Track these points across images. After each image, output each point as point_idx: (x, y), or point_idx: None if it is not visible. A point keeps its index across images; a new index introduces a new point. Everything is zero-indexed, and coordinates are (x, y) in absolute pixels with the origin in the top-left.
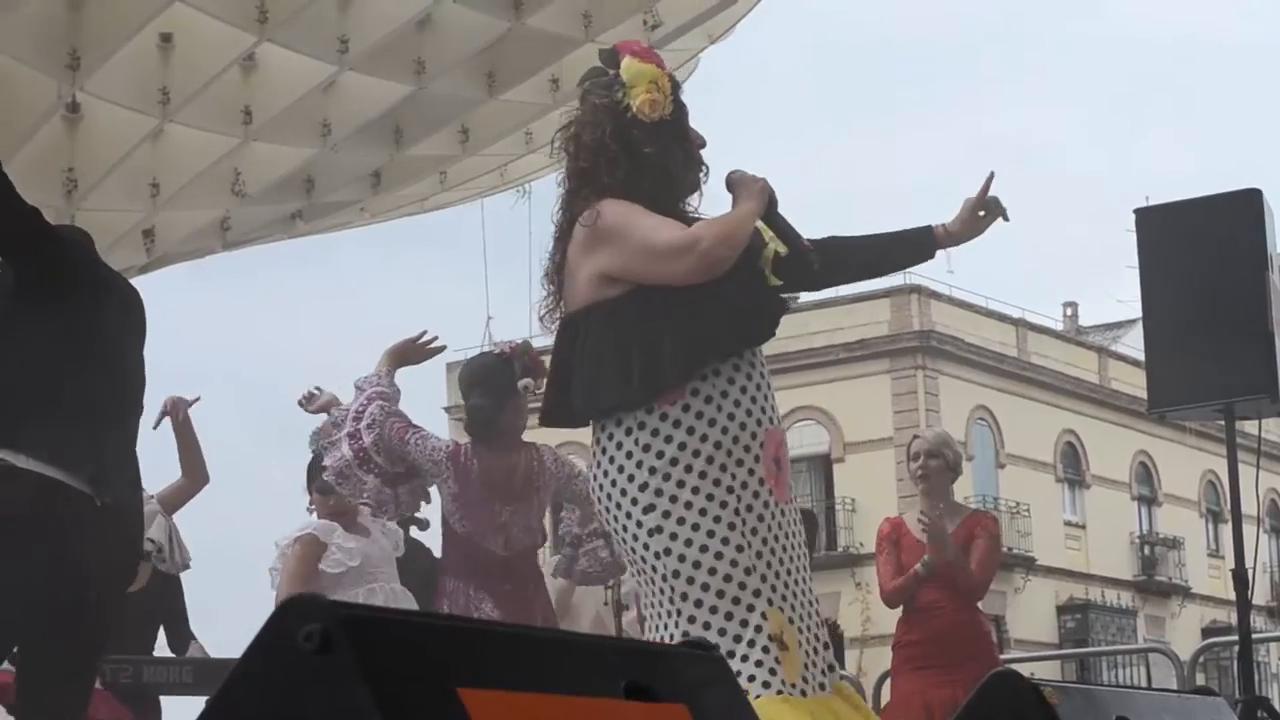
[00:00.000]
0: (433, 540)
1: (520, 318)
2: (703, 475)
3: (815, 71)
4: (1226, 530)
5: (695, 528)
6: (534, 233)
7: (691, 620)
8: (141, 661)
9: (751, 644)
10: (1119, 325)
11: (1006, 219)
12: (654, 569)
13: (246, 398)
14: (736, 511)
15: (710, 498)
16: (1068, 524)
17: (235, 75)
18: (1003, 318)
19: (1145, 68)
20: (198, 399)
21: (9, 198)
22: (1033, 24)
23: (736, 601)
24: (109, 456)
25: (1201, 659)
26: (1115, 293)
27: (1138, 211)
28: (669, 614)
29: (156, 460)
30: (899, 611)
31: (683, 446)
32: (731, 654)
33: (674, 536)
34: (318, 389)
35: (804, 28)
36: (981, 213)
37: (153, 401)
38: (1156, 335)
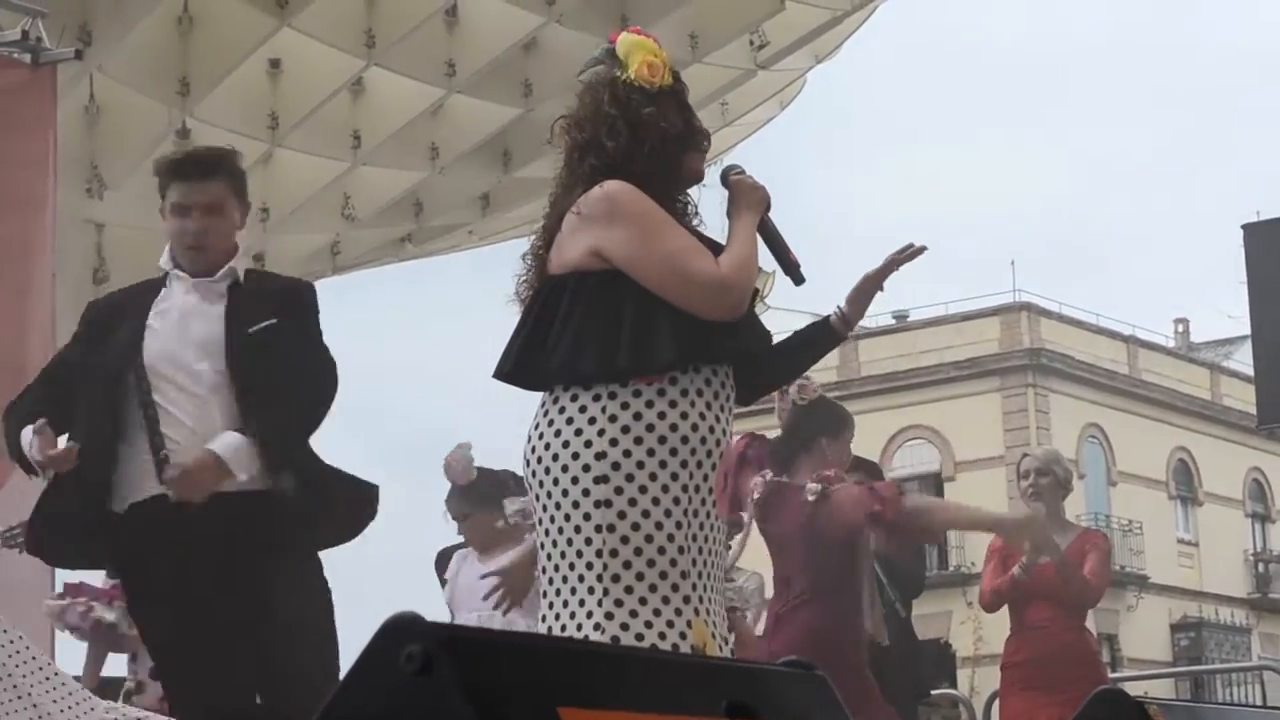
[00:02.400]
0: None
1: None
2: (662, 465)
3: (917, 88)
4: None
5: (645, 514)
6: None
7: (618, 604)
8: None
9: (675, 647)
10: (1230, 341)
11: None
12: (588, 541)
13: (359, 417)
14: (685, 512)
15: (665, 489)
16: (1180, 542)
17: (344, 100)
18: (1113, 335)
19: (1258, 77)
20: None
21: None
22: (1142, 36)
23: (666, 601)
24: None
25: None
26: (1227, 308)
27: (1245, 227)
28: (589, 591)
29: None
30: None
31: (650, 428)
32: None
33: (622, 515)
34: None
35: (901, 46)
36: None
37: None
38: (1265, 350)
